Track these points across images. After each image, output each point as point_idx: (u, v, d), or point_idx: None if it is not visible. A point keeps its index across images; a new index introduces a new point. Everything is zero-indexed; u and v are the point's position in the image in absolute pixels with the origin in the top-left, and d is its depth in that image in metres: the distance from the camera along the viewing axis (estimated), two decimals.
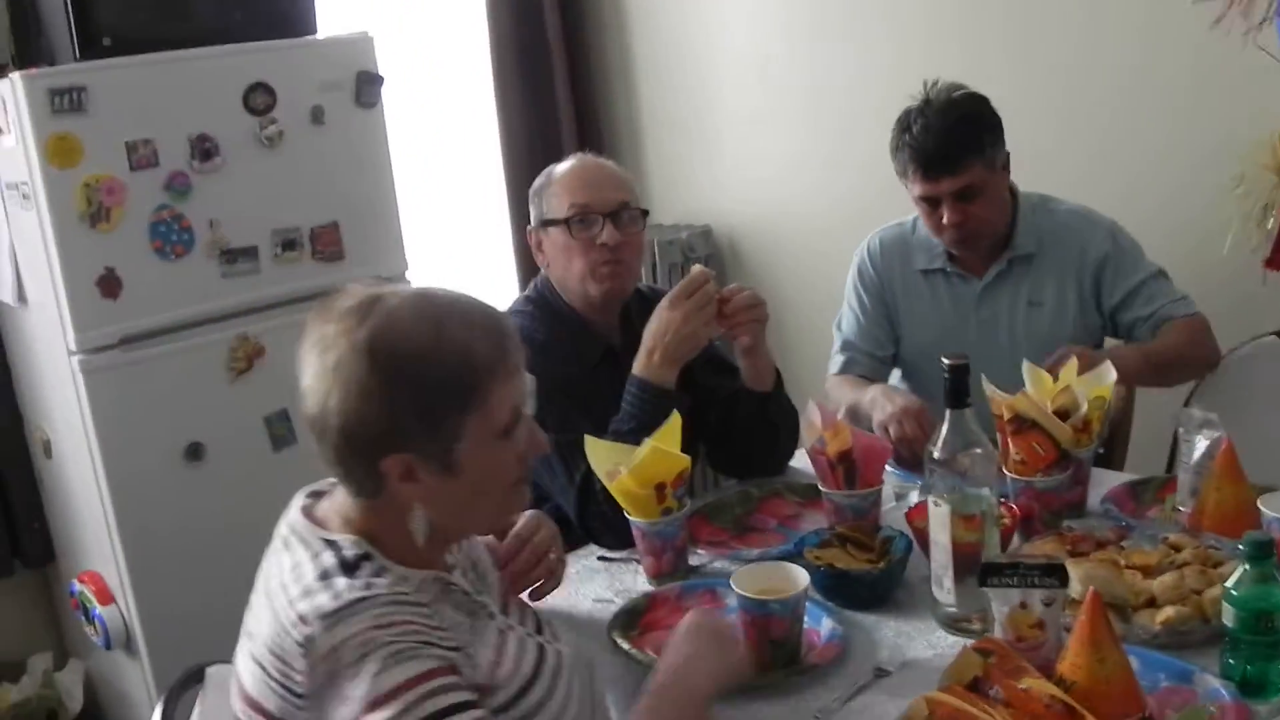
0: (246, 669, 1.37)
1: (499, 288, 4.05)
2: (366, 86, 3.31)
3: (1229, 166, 3.07)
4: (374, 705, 1.24)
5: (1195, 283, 3.11)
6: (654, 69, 4.27)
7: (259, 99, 3.13)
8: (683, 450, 1.99)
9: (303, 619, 1.29)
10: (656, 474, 1.94)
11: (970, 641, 1.59)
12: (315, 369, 1.36)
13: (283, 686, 1.31)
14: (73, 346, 2.94)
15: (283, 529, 1.45)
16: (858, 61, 3.79)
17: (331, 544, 1.37)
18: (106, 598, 3.11)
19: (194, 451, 3.09)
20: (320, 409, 1.35)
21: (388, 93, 3.39)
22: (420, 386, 1.33)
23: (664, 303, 2.18)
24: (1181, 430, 2.10)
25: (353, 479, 1.38)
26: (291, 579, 1.35)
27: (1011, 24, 3.49)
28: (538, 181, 2.40)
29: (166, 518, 3.06)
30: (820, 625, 1.79)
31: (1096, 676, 1.45)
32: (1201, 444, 2.02)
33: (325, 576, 1.32)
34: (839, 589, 1.86)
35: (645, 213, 2.39)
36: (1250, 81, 3.05)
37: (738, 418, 2.36)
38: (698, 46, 4.15)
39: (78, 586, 3.17)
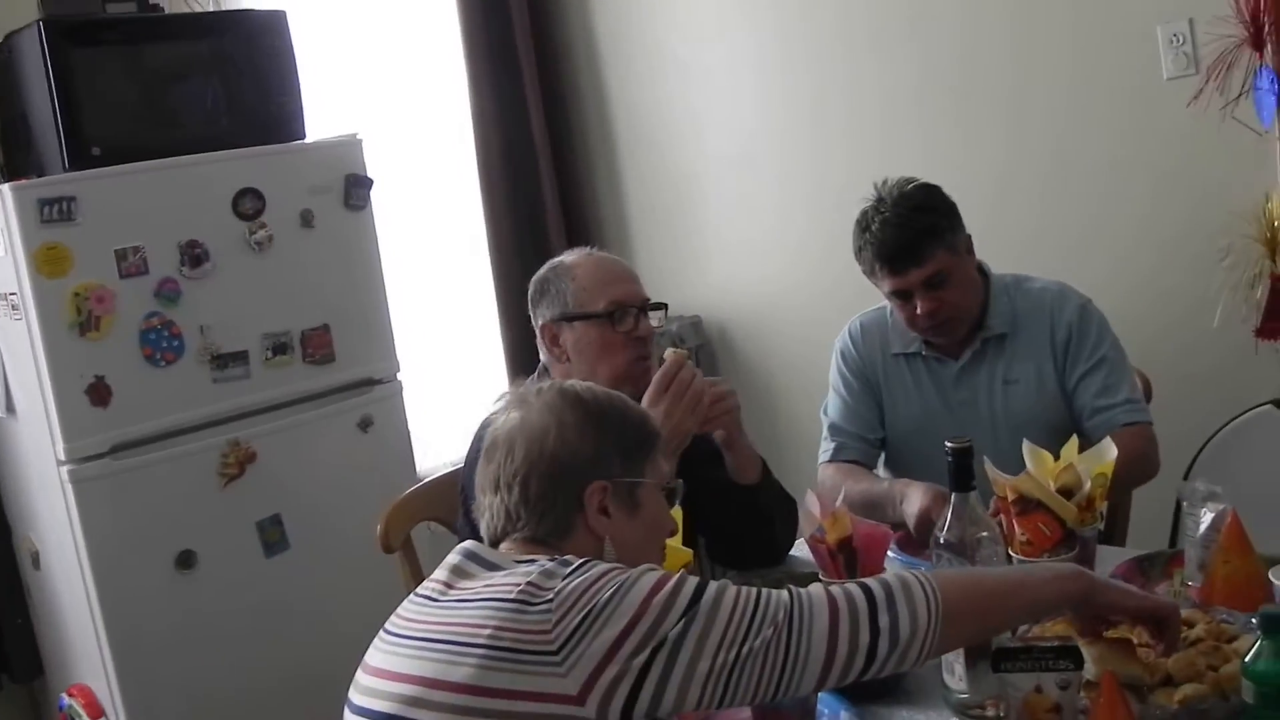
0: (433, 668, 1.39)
1: (488, 386, 4.04)
2: (355, 189, 3.33)
3: (1215, 239, 3.11)
4: (634, 620, 1.35)
5: (1187, 355, 3.14)
6: (639, 162, 4.31)
7: (248, 204, 3.14)
8: (683, 543, 1.97)
9: (537, 586, 1.38)
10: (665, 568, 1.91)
11: None
12: (525, 419, 1.58)
13: (515, 659, 1.34)
14: (62, 456, 2.91)
15: (450, 564, 1.52)
16: (844, 149, 3.83)
17: (533, 560, 1.46)
18: (97, 711, 3.04)
19: (185, 559, 3.04)
20: (538, 446, 1.55)
21: (376, 194, 3.40)
22: (616, 423, 1.60)
23: (645, 400, 2.17)
24: (1186, 504, 2.09)
25: (553, 513, 1.54)
26: (504, 580, 1.42)
27: (997, 107, 3.53)
28: (545, 275, 2.40)
29: (158, 627, 3.01)
30: (838, 718, 1.76)
31: None
32: (1207, 517, 2.01)
33: (548, 573, 1.41)
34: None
35: (665, 306, 2.44)
36: (1230, 154, 3.09)
37: (731, 510, 2.34)
38: (682, 138, 4.19)
39: (67, 700, 3.10)
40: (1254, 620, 1.55)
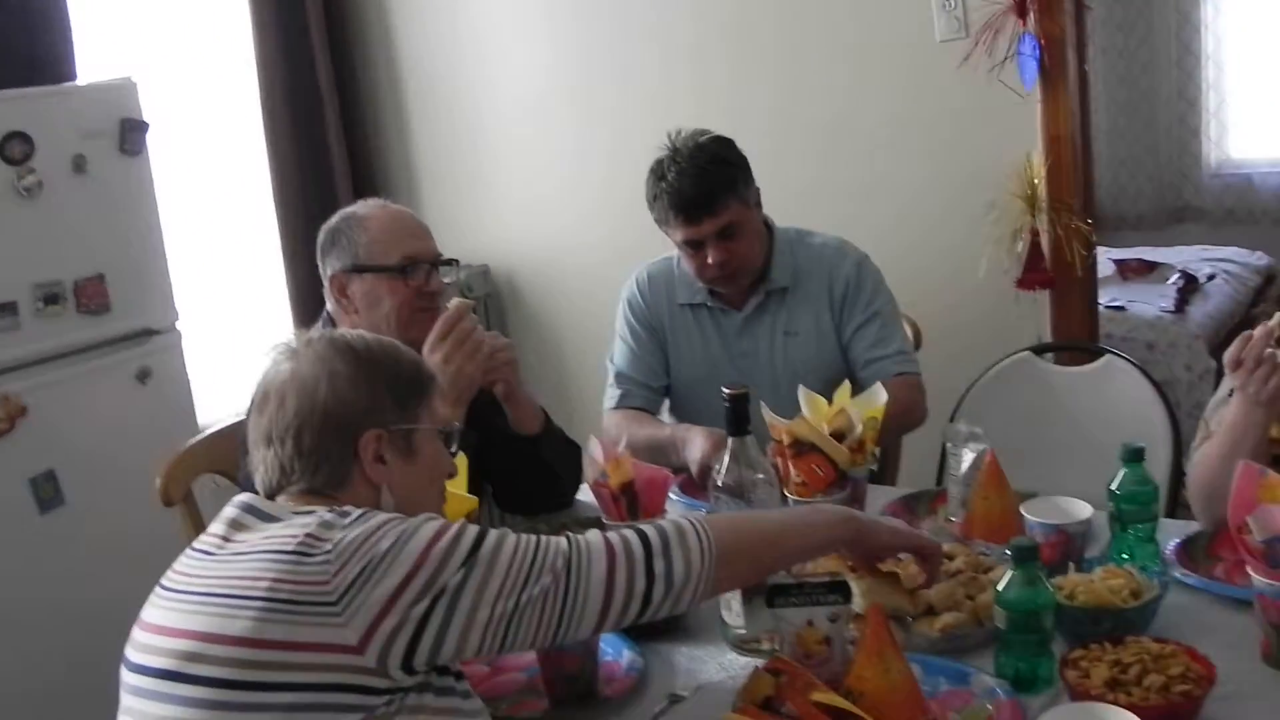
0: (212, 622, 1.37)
1: (273, 335, 3.94)
2: (130, 133, 3.21)
3: (981, 195, 3.26)
4: (414, 569, 1.35)
5: (954, 305, 3.30)
6: (428, 110, 4.26)
7: (15, 148, 2.99)
8: (470, 491, 1.99)
9: (316, 537, 1.37)
10: (446, 515, 1.92)
11: (761, 662, 1.63)
12: (296, 370, 1.54)
13: (293, 611, 1.33)
14: None
15: (227, 517, 1.49)
16: (625, 100, 3.87)
17: (311, 511, 1.43)
18: None
19: None
20: (309, 399, 1.51)
21: (154, 140, 3.29)
22: (389, 371, 1.57)
23: (426, 347, 2.18)
24: (949, 444, 2.21)
25: (328, 464, 1.51)
26: (282, 531, 1.40)
27: (775, 65, 3.62)
28: (336, 225, 2.36)
29: None
30: (621, 657, 1.81)
31: (882, 686, 1.51)
32: (968, 456, 2.13)
33: (326, 524, 1.39)
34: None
35: (456, 262, 2.43)
36: (996, 115, 3.25)
37: (515, 459, 2.37)
38: (472, 87, 4.15)
39: None
40: (1007, 551, 1.66)
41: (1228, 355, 1.98)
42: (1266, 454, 2.03)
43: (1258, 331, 1.95)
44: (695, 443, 2.40)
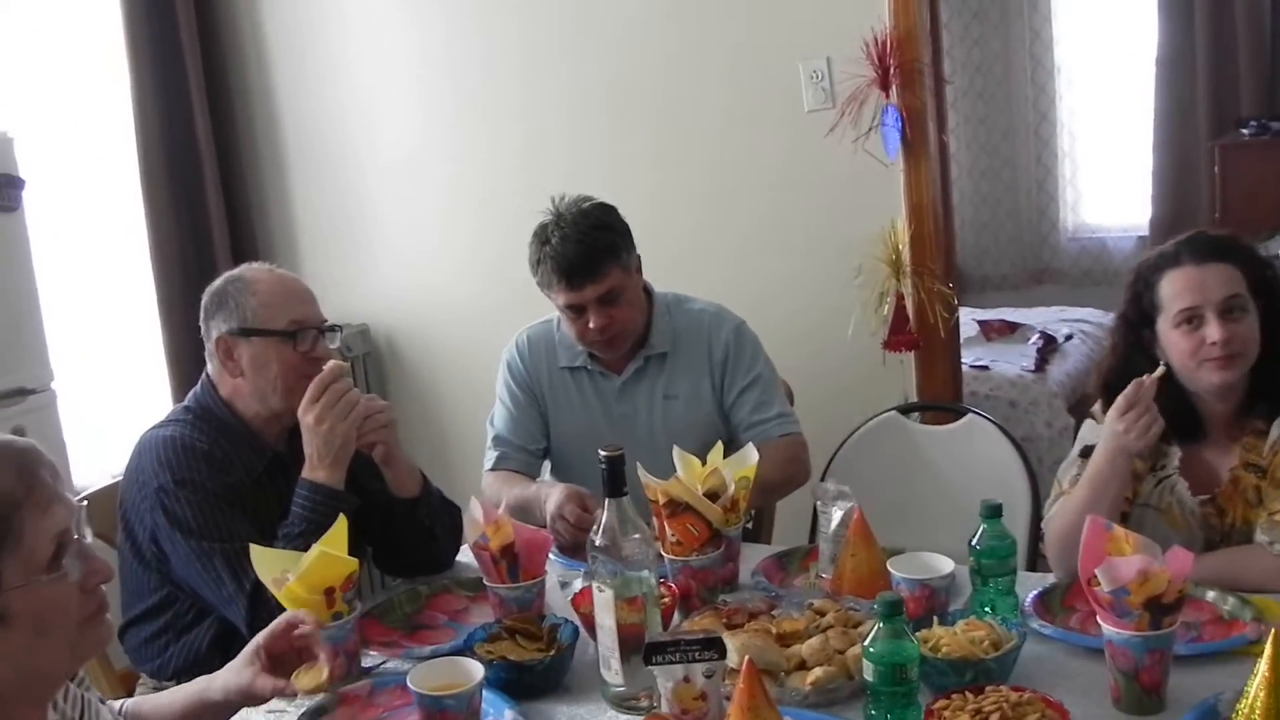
0: None
1: (150, 395, 3.90)
2: (6, 190, 3.18)
3: (850, 260, 3.37)
4: None
5: (824, 366, 3.40)
6: (308, 169, 4.25)
7: None
8: (350, 553, 1.99)
9: None
10: (325, 578, 1.93)
11: (639, 718, 1.66)
12: None
13: None
14: None
15: None
16: (506, 164, 3.91)
17: None
18: None
19: None
20: None
21: (30, 197, 3.24)
22: None
23: (300, 410, 2.20)
24: (819, 503, 2.28)
25: None
26: None
27: (652, 131, 3.70)
28: (223, 287, 2.35)
29: None
30: (504, 716, 1.82)
31: None
32: (837, 514, 2.20)
33: None
34: (512, 680, 1.89)
35: (340, 329, 2.45)
36: (863, 183, 3.37)
37: (393, 522, 2.39)
38: (353, 144, 4.16)
39: None
40: (875, 606, 1.72)
41: (1120, 400, 2.09)
42: (1121, 507, 2.15)
43: (1148, 380, 2.08)
44: (552, 498, 2.44)
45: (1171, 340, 2.16)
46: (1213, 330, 2.10)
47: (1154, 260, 2.22)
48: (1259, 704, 1.49)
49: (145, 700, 1.80)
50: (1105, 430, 2.13)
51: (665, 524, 2.13)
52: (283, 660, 1.75)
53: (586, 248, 2.58)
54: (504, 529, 2.09)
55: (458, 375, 4.12)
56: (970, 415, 3.02)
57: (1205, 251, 2.16)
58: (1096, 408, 2.31)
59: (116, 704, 1.72)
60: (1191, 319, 2.13)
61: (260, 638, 1.76)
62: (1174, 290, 2.16)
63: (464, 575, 2.39)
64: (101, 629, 1.42)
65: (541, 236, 2.63)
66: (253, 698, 1.74)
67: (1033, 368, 4.99)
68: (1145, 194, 6.27)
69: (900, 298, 3.34)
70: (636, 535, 1.82)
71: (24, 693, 1.34)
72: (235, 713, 1.79)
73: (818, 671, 1.81)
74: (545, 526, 2.40)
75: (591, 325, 2.63)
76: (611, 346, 2.72)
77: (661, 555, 2.11)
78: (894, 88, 3.24)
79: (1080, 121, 6.49)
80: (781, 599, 2.09)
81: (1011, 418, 4.55)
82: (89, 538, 1.39)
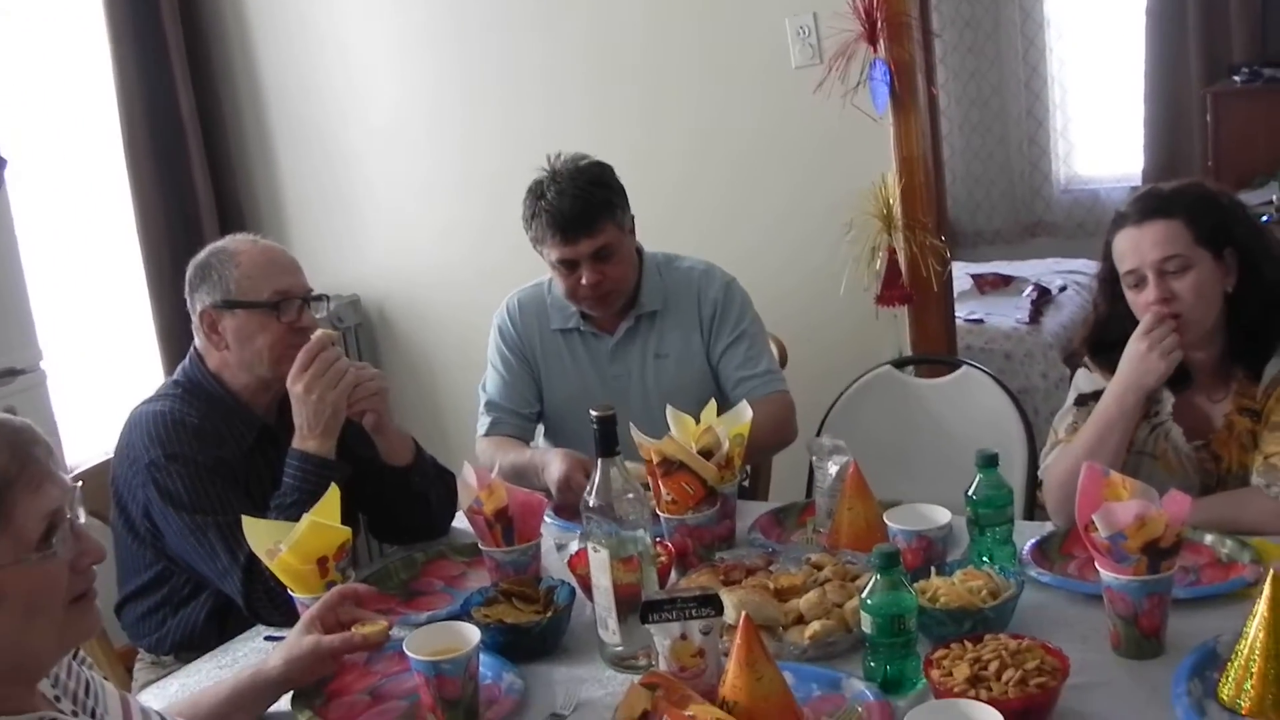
0: None
1: (140, 371, 3.89)
2: None
3: (839, 215, 3.35)
4: None
5: (817, 323, 3.39)
6: (293, 139, 4.22)
7: None
8: (344, 522, 1.98)
9: None
10: (317, 548, 1.92)
11: (637, 677, 1.66)
12: None
13: None
14: None
15: None
16: (492, 129, 3.89)
17: None
18: None
19: None
20: None
21: (12, 174, 3.22)
22: None
23: (288, 380, 2.19)
24: (814, 458, 2.27)
25: None
26: None
27: (636, 90, 3.67)
28: (206, 259, 2.33)
29: None
30: (501, 679, 1.82)
31: (755, 695, 1.55)
32: (832, 469, 2.19)
33: None
34: (509, 643, 1.90)
35: (326, 298, 2.44)
36: (852, 138, 3.35)
37: (386, 490, 2.38)
38: (339, 116, 4.14)
39: None
40: (871, 559, 1.72)
41: (1142, 324, 2.11)
42: (1123, 454, 2.14)
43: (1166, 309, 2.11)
44: (553, 465, 2.43)
45: (1130, 299, 2.18)
46: (1149, 292, 2.12)
47: (1113, 220, 2.23)
48: (1258, 645, 1.49)
49: (202, 694, 1.82)
50: (1123, 364, 2.14)
51: (660, 483, 2.13)
52: (332, 632, 1.80)
53: (583, 202, 2.57)
54: (498, 493, 2.08)
55: (450, 343, 4.11)
56: (965, 367, 3.02)
57: (1148, 210, 2.16)
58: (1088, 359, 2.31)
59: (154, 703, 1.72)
60: (1136, 282, 2.14)
61: (315, 609, 1.82)
62: (1119, 252, 2.18)
63: (460, 541, 2.39)
64: (90, 615, 1.41)
65: (536, 192, 2.62)
66: (320, 660, 1.78)
67: (1027, 320, 4.98)
68: (1137, 144, 6.24)
69: (892, 252, 3.32)
70: (630, 495, 1.82)
71: (13, 673, 1.33)
72: (287, 691, 1.81)
73: (816, 625, 1.81)
74: (543, 492, 2.40)
75: (584, 281, 2.61)
76: (603, 304, 2.70)
77: (657, 514, 2.11)
78: (881, 41, 3.21)
79: (1071, 73, 6.44)
80: (779, 554, 2.09)
81: (1007, 370, 4.54)
82: (82, 518, 1.38)
